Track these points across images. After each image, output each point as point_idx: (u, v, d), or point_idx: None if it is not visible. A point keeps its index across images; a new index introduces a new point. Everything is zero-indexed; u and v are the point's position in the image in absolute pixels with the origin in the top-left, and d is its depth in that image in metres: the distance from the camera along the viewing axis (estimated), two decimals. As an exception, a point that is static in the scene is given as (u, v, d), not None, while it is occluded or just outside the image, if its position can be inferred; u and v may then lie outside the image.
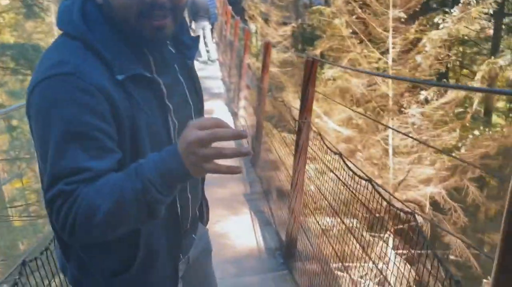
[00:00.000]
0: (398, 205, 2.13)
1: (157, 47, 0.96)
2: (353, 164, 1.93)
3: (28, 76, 7.23)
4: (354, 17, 7.00)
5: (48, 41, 26.68)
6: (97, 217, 0.77)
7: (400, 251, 3.40)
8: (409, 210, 1.42)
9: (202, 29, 10.00)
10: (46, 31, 26.61)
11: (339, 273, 2.58)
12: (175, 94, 1.00)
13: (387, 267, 2.14)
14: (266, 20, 12.63)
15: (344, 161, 1.89)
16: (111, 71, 0.86)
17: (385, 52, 6.85)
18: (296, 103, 9.64)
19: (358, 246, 2.11)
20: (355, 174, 1.84)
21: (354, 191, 1.97)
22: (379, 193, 1.65)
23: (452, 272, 1.29)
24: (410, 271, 1.73)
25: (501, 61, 6.15)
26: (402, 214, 1.57)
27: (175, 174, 0.77)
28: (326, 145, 2.18)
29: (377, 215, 1.81)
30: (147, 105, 0.91)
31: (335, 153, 2.01)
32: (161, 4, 0.86)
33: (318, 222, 2.53)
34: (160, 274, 1.03)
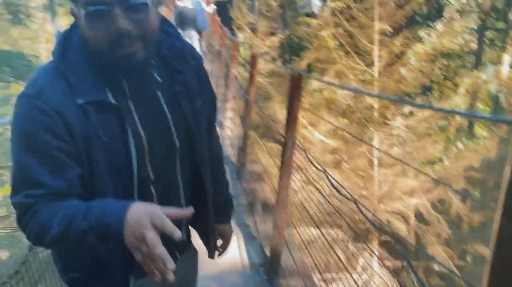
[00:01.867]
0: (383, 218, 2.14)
1: (132, 73, 0.98)
2: (338, 182, 1.93)
3: (12, 83, 7.12)
4: (340, 29, 7.09)
5: (34, 47, 26.49)
6: (47, 237, 0.89)
7: (382, 263, 3.41)
8: (389, 230, 1.43)
9: (189, 39, 10.00)
10: (32, 38, 26.40)
11: (323, 285, 2.57)
12: (151, 120, 1.01)
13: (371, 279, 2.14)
14: (254, 30, 12.70)
15: (328, 179, 1.89)
16: (74, 95, 0.92)
17: (370, 64, 6.93)
18: (282, 114, 9.67)
19: (342, 256, 2.10)
20: (340, 193, 1.84)
21: (338, 210, 1.97)
22: (363, 214, 1.65)
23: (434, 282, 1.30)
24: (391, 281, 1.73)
25: (483, 75, 6.27)
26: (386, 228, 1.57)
27: (112, 233, 0.84)
28: (311, 162, 2.18)
29: (360, 230, 1.82)
30: (105, 129, 0.94)
31: (320, 170, 2.01)
32: (128, 33, 0.89)
33: (301, 236, 2.52)
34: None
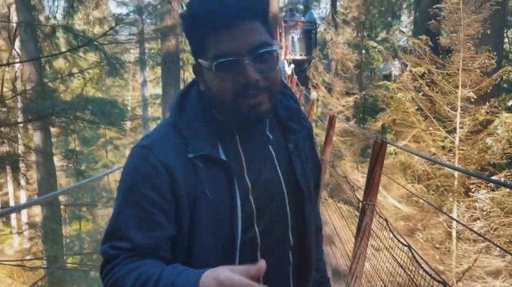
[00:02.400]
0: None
1: (248, 128, 1.00)
2: (425, 262, 1.81)
3: (102, 128, 7.67)
4: (420, 93, 6.94)
5: (123, 94, 28.87)
6: None
7: None
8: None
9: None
10: (123, 85, 28.90)
11: None
12: (262, 179, 0.99)
13: None
14: (330, 90, 12.85)
15: (414, 256, 1.78)
16: (186, 149, 0.93)
17: (452, 131, 6.64)
18: (354, 174, 9.46)
19: None
20: (427, 273, 1.71)
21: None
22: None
23: None
24: None
25: None
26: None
27: None
28: (393, 234, 2.08)
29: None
30: (212, 186, 0.93)
31: (404, 245, 1.91)
32: (256, 83, 0.90)
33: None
34: None
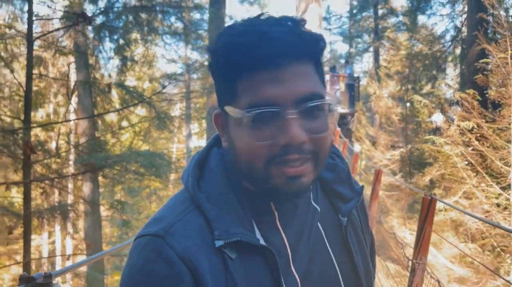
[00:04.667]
0: None
1: (289, 201, 0.74)
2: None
3: (150, 180, 7.91)
4: (470, 148, 6.72)
5: (168, 146, 29.91)
6: None
7: None
8: None
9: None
10: (168, 138, 29.98)
11: None
12: (311, 270, 0.74)
13: None
14: (374, 143, 12.71)
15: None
16: (212, 234, 0.69)
17: (506, 188, 6.31)
18: (401, 231, 9.07)
19: None
20: None
21: None
22: None
23: None
24: None
25: None
26: None
27: None
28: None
29: None
30: (248, 282, 0.68)
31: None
32: (298, 147, 0.65)
33: None
34: None
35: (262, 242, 0.70)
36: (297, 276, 0.71)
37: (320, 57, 0.71)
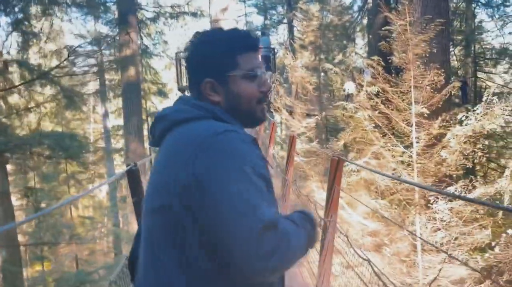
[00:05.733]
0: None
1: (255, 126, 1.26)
2: (383, 274, 1.86)
3: (61, 164, 7.43)
4: (377, 112, 7.19)
5: (84, 127, 28.22)
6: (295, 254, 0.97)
7: None
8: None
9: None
10: (83, 119, 28.25)
11: None
12: None
13: None
14: (291, 112, 13.09)
15: (373, 270, 1.82)
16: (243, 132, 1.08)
17: (409, 146, 6.89)
18: (320, 194, 9.57)
19: None
20: (383, 282, 1.76)
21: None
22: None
23: None
24: None
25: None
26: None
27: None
28: (354, 249, 2.12)
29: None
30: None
31: (364, 259, 1.95)
32: (270, 91, 1.18)
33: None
34: None
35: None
36: None
37: None
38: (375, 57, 7.03)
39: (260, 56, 1.22)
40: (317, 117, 12.58)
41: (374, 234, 7.23)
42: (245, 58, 1.14)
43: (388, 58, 7.72)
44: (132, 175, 2.81)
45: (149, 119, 20.46)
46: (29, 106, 8.99)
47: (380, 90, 7.02)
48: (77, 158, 6.84)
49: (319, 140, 12.71)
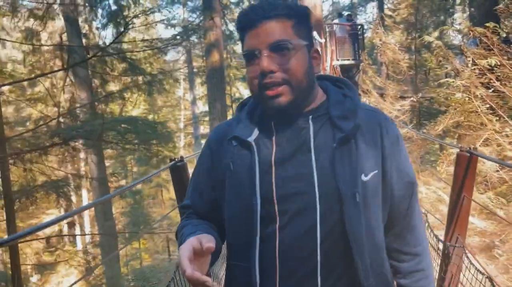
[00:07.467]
0: None
1: (282, 118, 1.08)
2: None
3: (128, 149, 7.57)
4: (490, 90, 6.17)
5: (175, 113, 29.43)
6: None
7: None
8: None
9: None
10: (174, 105, 29.48)
11: None
12: (288, 164, 1.05)
13: None
14: (382, 95, 12.15)
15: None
16: (231, 132, 1.13)
17: (531, 132, 5.84)
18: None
19: None
20: None
21: None
22: None
23: None
24: None
25: None
26: None
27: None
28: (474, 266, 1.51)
29: None
30: (239, 162, 1.09)
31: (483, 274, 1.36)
32: (271, 74, 1.02)
33: None
34: None
35: (249, 139, 1.09)
36: (273, 163, 1.05)
37: (292, 14, 1.06)
38: (490, 24, 5.90)
39: (260, 33, 1.03)
40: (412, 98, 11.50)
41: (482, 234, 6.32)
42: (246, 38, 1.08)
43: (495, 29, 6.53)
44: (177, 171, 2.51)
45: (233, 105, 20.57)
46: (124, 94, 9.35)
47: (497, 63, 5.92)
48: (167, 144, 6.99)
49: (413, 124, 11.67)
